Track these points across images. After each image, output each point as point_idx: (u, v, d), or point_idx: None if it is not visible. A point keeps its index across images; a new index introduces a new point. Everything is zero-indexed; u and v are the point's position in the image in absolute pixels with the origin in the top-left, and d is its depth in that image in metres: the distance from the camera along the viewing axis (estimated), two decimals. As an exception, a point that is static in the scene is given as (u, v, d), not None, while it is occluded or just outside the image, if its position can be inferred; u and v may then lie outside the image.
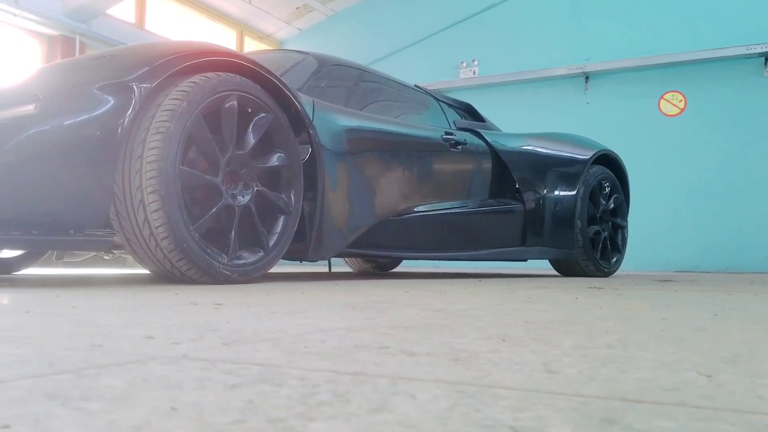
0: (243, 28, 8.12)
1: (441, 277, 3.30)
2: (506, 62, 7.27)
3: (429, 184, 3.13)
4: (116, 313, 1.10)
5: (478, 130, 3.63)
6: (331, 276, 3.40)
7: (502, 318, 1.12)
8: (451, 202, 3.25)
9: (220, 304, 1.33)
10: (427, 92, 3.75)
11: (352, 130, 2.68)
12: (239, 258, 2.17)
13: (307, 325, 0.96)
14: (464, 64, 7.52)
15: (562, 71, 7.01)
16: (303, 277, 3.04)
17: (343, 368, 0.61)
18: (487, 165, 3.54)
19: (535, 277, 3.54)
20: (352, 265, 4.67)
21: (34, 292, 1.69)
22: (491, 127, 3.93)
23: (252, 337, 0.82)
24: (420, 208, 3.03)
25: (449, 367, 0.63)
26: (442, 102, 3.79)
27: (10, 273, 3.05)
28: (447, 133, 3.32)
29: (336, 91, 2.93)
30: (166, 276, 2.10)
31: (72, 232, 1.95)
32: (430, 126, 3.36)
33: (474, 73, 7.45)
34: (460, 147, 3.34)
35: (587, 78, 6.99)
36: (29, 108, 1.90)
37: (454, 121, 3.66)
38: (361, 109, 3.00)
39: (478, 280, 3.02)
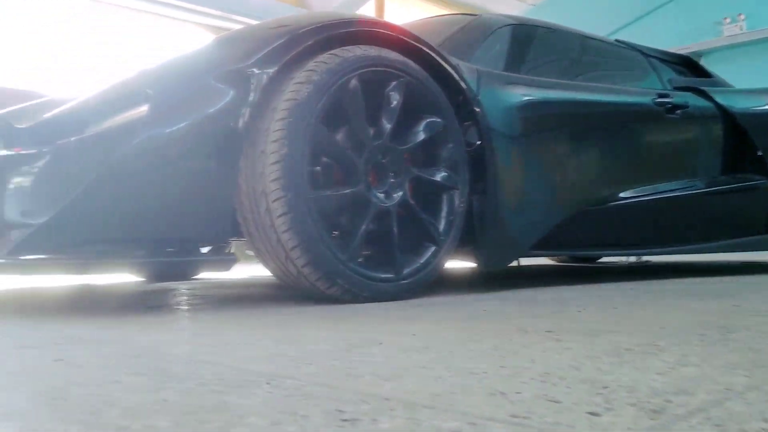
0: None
1: (707, 274, 2.91)
2: (781, 11, 6.29)
3: (638, 163, 2.67)
4: (477, 351, 1.09)
5: (702, 88, 3.03)
6: (565, 274, 3.21)
7: None
8: (669, 183, 2.73)
9: (550, 331, 1.27)
10: (632, 47, 3.23)
11: (532, 103, 2.31)
12: (407, 264, 1.90)
13: (696, 377, 0.86)
14: (728, 20, 6.67)
15: None
16: (543, 278, 2.90)
17: None
18: (717, 132, 2.95)
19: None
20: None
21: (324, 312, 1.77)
22: (720, 84, 3.30)
23: (672, 405, 0.73)
24: (627, 194, 2.57)
25: None
26: (653, 57, 3.24)
27: (188, 278, 3.12)
28: (660, 96, 2.80)
29: (514, 57, 2.55)
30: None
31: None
32: (637, 89, 2.86)
33: (741, 29, 6.58)
34: (678, 112, 2.80)
35: None
36: (142, 109, 1.71)
37: (669, 80, 3.10)
38: (548, 75, 2.61)
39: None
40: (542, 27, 2.87)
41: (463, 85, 2.09)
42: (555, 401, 0.75)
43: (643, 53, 3.25)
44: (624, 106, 2.70)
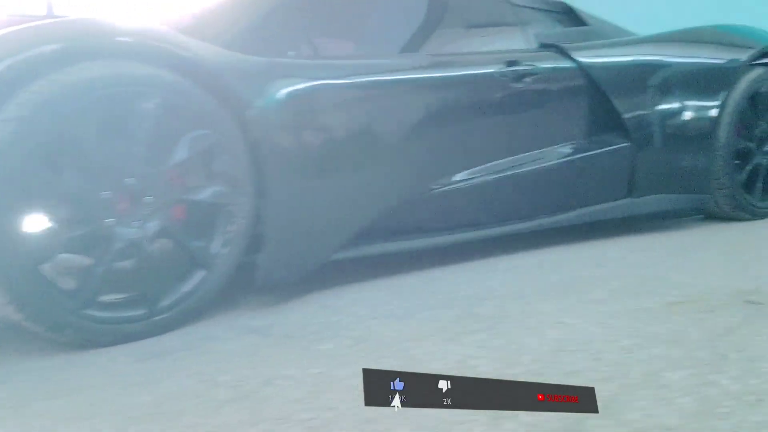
0: None
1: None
2: None
3: (476, 142, 2.47)
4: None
5: (564, 46, 2.81)
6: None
7: None
8: (517, 157, 2.58)
9: None
10: None
11: (321, 97, 2.06)
12: (166, 296, 1.79)
13: None
14: None
15: None
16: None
17: None
18: (575, 95, 2.76)
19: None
20: None
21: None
22: (596, 33, 3.08)
23: None
24: (462, 176, 2.42)
25: None
26: (523, 7, 2.98)
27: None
28: (509, 63, 2.57)
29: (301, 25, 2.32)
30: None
31: None
32: (480, 56, 2.62)
33: None
34: (529, 79, 2.60)
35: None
36: None
37: (536, 35, 2.89)
38: (376, 41, 2.40)
39: None
40: None
41: (232, 87, 1.89)
42: None
43: (511, 3, 2.97)
44: (455, 81, 2.48)
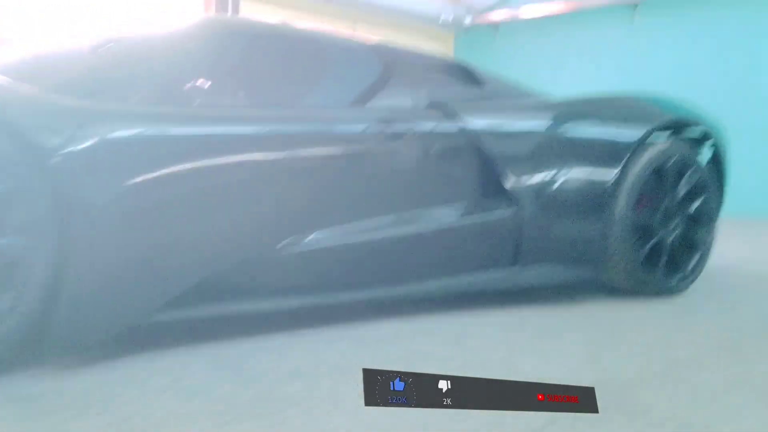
0: None
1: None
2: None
3: (338, 200, 2.33)
4: None
5: (451, 107, 2.68)
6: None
7: None
8: (385, 219, 2.42)
9: None
10: (391, 52, 2.86)
11: (139, 145, 1.91)
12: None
13: None
14: None
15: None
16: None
17: None
18: (459, 157, 2.62)
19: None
20: None
21: None
22: (492, 94, 2.98)
23: None
24: (315, 236, 2.24)
25: None
26: (414, 64, 2.87)
27: None
28: (383, 121, 2.42)
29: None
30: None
31: None
32: (352, 114, 2.49)
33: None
34: (404, 138, 2.45)
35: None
36: None
37: (427, 93, 2.76)
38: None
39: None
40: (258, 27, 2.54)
41: (33, 132, 1.76)
42: None
43: (403, 61, 2.85)
44: (311, 137, 2.31)
